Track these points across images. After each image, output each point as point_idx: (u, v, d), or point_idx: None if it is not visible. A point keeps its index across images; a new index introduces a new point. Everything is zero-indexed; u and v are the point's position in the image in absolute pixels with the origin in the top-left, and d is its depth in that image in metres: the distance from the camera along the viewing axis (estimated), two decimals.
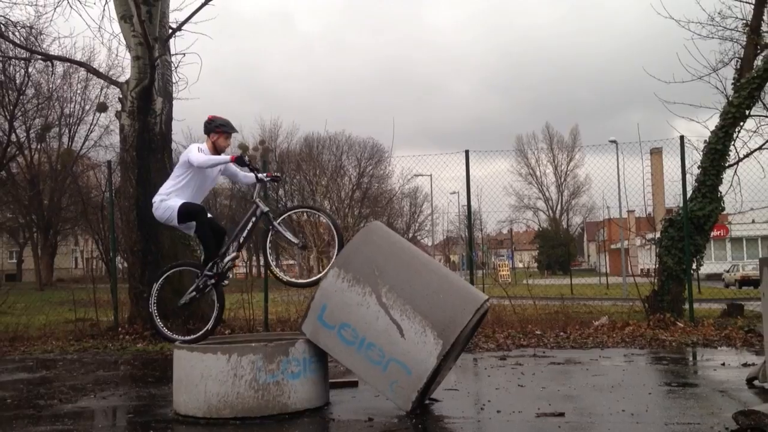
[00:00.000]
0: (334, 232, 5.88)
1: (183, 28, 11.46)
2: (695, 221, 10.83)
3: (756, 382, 6.15)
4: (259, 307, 11.37)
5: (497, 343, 9.66)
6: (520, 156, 68.96)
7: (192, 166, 5.94)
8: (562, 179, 71.42)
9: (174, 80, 11.65)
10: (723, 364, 7.44)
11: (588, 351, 8.85)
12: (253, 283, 12.16)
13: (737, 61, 11.42)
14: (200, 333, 6.03)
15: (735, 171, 11.92)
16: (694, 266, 11.23)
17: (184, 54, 11.76)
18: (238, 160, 5.85)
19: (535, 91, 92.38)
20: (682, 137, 11.04)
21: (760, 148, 11.98)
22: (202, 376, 5.23)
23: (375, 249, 5.47)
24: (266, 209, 6.04)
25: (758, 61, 10.89)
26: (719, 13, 12.07)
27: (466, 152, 11.80)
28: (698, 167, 11.08)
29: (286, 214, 6.29)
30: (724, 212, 12.34)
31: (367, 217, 42.29)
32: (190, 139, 46.95)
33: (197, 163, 5.92)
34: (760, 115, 12.18)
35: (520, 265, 66.74)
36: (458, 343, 5.22)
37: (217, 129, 6.14)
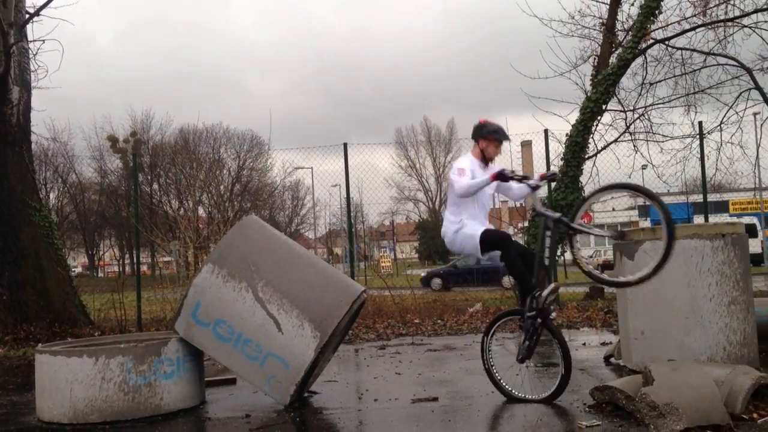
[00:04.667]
0: (664, 221, 4.60)
1: (42, 13, 10.73)
2: (559, 210, 11.48)
3: (612, 360, 6.63)
4: (131, 307, 10.92)
5: (377, 333, 9.82)
6: (400, 149, 70.16)
7: None
8: (441, 171, 73.36)
9: (33, 68, 10.90)
10: (584, 344, 7.97)
11: (463, 337, 9.19)
12: (125, 282, 11.64)
13: (595, 59, 12.18)
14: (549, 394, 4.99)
15: (594, 162, 12.76)
16: (559, 253, 11.90)
17: (43, 41, 11.00)
18: (500, 176, 4.98)
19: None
20: (546, 131, 11.67)
21: (615, 140, 12.86)
22: (67, 381, 4.96)
23: (251, 243, 5.41)
24: (556, 215, 5.03)
25: (613, 59, 11.67)
26: (579, 12, 12.79)
27: (345, 145, 11.89)
28: (561, 159, 11.76)
29: (581, 210, 5.06)
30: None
31: (249, 211, 41.57)
32: (53, 131, 44.43)
33: (458, 194, 5.19)
34: (615, 110, 13.06)
35: (402, 256, 68.08)
36: (336, 334, 5.26)
37: (489, 136, 5.39)
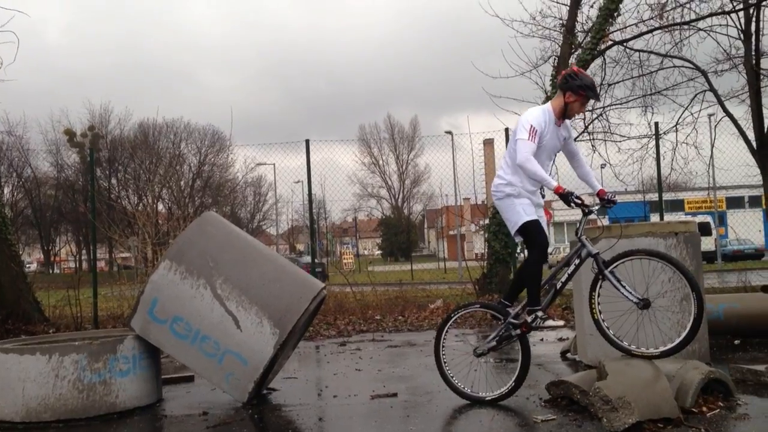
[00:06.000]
0: (689, 289, 4.35)
1: None
2: None
3: (568, 355, 6.75)
4: (88, 304, 10.71)
5: (338, 330, 9.82)
6: (363, 146, 70.15)
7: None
8: (404, 168, 73.58)
9: None
10: (542, 340, 8.09)
11: (423, 333, 9.24)
12: (82, 278, 11.41)
13: (555, 59, 12.32)
14: (505, 392, 4.90)
15: (553, 161, 12.91)
16: (518, 250, 12.04)
17: None
18: (563, 196, 4.54)
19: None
20: (506, 129, 11.78)
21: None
22: (19, 379, 4.85)
23: (209, 240, 5.35)
24: (595, 251, 4.66)
25: (573, 59, 11.84)
26: (540, 13, 12.92)
27: (307, 141, 11.85)
28: None
29: (621, 261, 4.59)
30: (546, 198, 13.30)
31: (210, 207, 41.12)
32: (7, 124, 43.27)
33: (518, 164, 4.70)
34: None
35: (365, 253, 68.15)
36: (295, 331, 5.25)
37: (580, 91, 4.76)
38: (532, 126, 4.74)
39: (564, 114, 4.90)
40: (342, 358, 7.38)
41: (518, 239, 5.03)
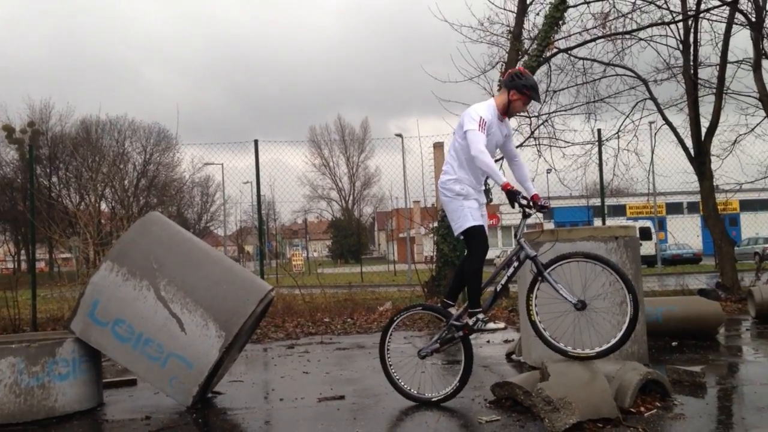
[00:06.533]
0: (626, 291, 4.42)
1: None
2: None
3: (514, 356, 6.87)
4: (26, 306, 10.38)
5: (286, 332, 9.76)
6: (313, 147, 69.87)
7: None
8: (354, 170, 73.58)
9: None
10: (488, 341, 8.20)
11: (372, 335, 9.25)
12: (20, 279, 11.04)
13: (502, 65, 12.50)
14: (450, 392, 4.94)
15: (501, 165, 13.12)
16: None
17: None
18: (510, 194, 4.59)
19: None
20: (455, 133, 11.90)
21: (520, 145, 13.25)
22: None
23: (153, 241, 5.25)
24: (534, 253, 4.73)
25: (519, 65, 12.05)
26: (488, 19, 13.10)
27: (256, 142, 11.75)
28: None
29: (559, 264, 4.64)
30: (493, 203, 13.52)
31: (155, 207, 40.31)
32: None
33: (472, 152, 4.71)
34: (520, 115, 13.46)
35: (315, 255, 67.82)
36: (242, 334, 5.20)
37: (524, 90, 4.87)
38: (481, 117, 4.80)
39: (507, 111, 4.99)
40: (290, 361, 7.33)
41: (461, 238, 5.08)
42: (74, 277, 12.03)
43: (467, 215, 4.89)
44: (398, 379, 5.11)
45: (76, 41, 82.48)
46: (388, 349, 5.17)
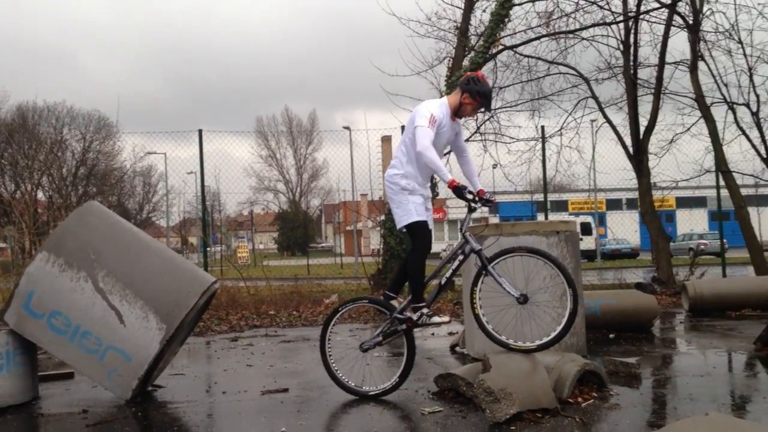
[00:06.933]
0: (566, 285, 4.52)
1: None
2: None
3: (458, 348, 6.95)
4: None
5: (230, 325, 9.65)
6: (260, 138, 69.12)
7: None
8: (302, 162, 73.11)
9: None
10: (433, 334, 8.28)
11: (317, 328, 9.15)
12: None
13: (449, 60, 12.60)
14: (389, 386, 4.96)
15: (448, 160, 13.25)
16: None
17: None
18: (456, 190, 4.62)
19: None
20: (403, 127, 11.94)
21: (467, 140, 13.42)
22: None
23: (91, 231, 5.11)
24: (478, 247, 4.74)
25: (466, 62, 12.17)
26: (436, 14, 13.19)
27: (200, 131, 11.55)
28: None
29: (503, 258, 4.69)
30: (440, 197, 13.63)
31: (94, 196, 39.21)
32: None
33: (417, 151, 4.73)
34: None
35: (261, 247, 67.16)
36: (184, 326, 5.11)
37: (476, 95, 4.89)
38: (432, 114, 4.81)
39: (457, 112, 5.01)
40: (233, 354, 7.26)
41: (403, 231, 5.12)
42: (9, 268, 11.63)
43: (411, 210, 4.93)
44: (337, 371, 5.09)
45: (7, 24, 79.33)
46: (329, 341, 5.15)
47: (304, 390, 5.27)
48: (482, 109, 5.11)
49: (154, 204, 54.49)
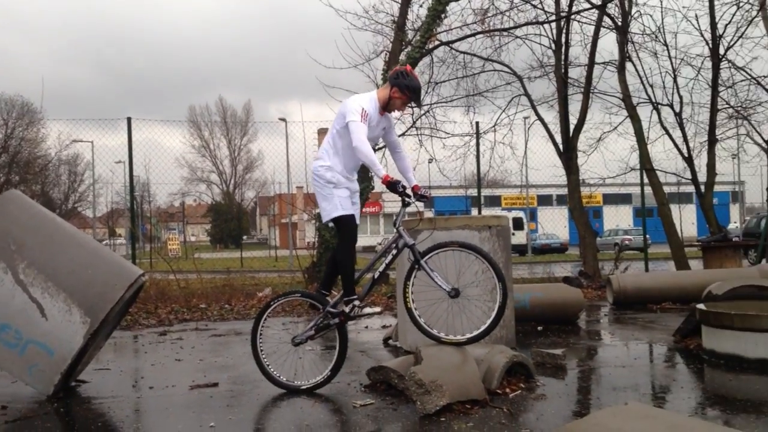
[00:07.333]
0: (495, 279, 4.58)
1: None
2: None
3: (391, 341, 7.00)
4: None
5: (159, 319, 9.44)
6: (193, 128, 67.69)
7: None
8: (236, 153, 72.01)
9: None
10: (366, 327, 8.31)
11: (250, 321, 9.05)
12: None
13: (386, 54, 12.63)
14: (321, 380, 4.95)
15: (384, 154, 13.30)
16: None
17: None
18: (390, 185, 4.60)
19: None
20: (334, 121, 11.90)
21: (402, 134, 13.50)
22: None
23: (11, 221, 4.89)
24: (411, 241, 4.78)
25: (403, 56, 12.22)
26: (373, 7, 13.18)
27: (128, 119, 11.21)
28: None
29: (435, 252, 4.73)
30: (375, 190, 13.67)
31: (17, 185, 37.57)
32: None
33: (354, 143, 4.72)
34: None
35: (193, 239, 65.83)
36: (109, 320, 4.96)
37: (405, 90, 4.89)
38: (363, 109, 4.82)
39: (386, 107, 5.02)
40: (161, 348, 7.10)
41: (330, 225, 5.13)
42: None
43: (336, 204, 4.93)
44: (268, 366, 5.05)
45: None
46: (261, 335, 5.10)
47: (234, 384, 5.20)
48: (412, 104, 5.13)
49: (81, 194, 52.74)
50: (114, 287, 4.90)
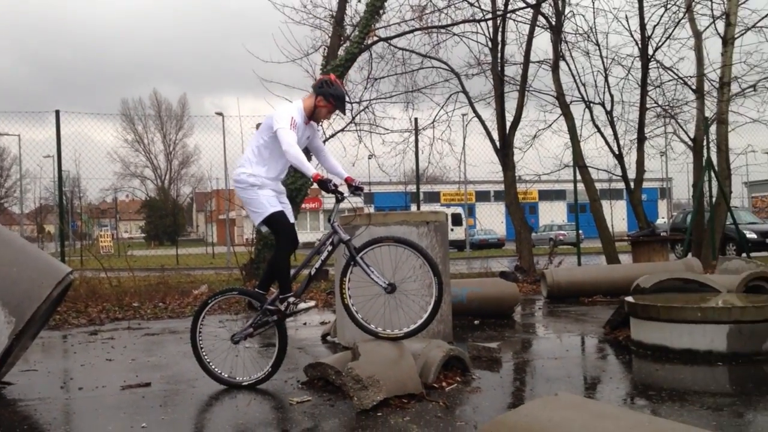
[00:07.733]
0: (432, 274, 4.59)
1: None
2: (288, 194, 11.72)
3: (329, 338, 6.98)
4: None
5: (89, 318, 9.15)
6: (126, 121, 65.86)
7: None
8: (171, 148, 70.43)
9: None
10: (305, 324, 8.27)
11: (185, 320, 8.94)
12: None
13: (325, 49, 12.56)
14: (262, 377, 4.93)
15: (310, 159, 13.23)
16: None
17: None
18: (321, 183, 4.57)
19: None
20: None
21: (342, 130, 13.49)
22: None
23: None
24: (347, 237, 4.76)
25: (341, 51, 12.19)
26: (311, 1, 13.08)
27: (57, 112, 10.81)
28: None
29: (371, 248, 4.72)
30: (315, 187, 13.59)
31: None
32: None
33: (284, 147, 4.71)
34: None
35: (126, 236, 64.09)
36: (36, 319, 4.78)
37: (330, 98, 4.91)
38: (293, 118, 4.84)
39: (312, 116, 5.05)
40: (92, 348, 6.88)
41: (264, 229, 5.12)
42: None
43: (264, 203, 4.92)
44: (209, 363, 5.00)
45: None
46: (200, 333, 5.04)
47: (168, 384, 5.10)
48: (337, 112, 5.17)
49: (7, 189, 50.62)
50: (41, 285, 4.73)
